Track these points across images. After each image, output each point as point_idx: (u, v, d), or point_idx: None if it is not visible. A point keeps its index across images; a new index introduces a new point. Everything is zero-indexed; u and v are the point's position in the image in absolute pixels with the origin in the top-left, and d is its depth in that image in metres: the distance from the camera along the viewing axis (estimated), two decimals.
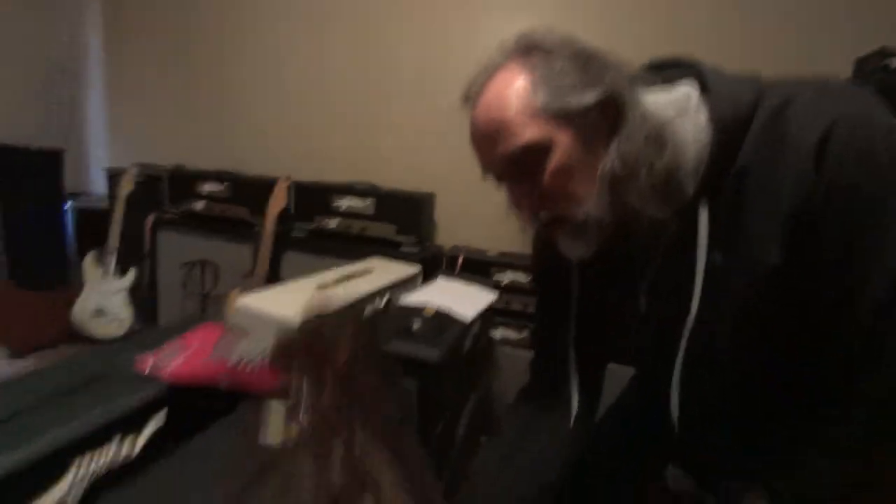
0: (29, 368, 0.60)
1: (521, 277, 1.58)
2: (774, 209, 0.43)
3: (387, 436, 0.43)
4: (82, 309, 1.87)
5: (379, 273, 1.06)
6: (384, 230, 1.64)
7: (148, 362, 0.58)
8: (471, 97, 0.51)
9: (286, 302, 0.66)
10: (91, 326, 1.87)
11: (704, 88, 0.48)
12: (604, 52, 0.48)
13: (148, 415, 0.53)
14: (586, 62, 0.47)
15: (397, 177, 1.81)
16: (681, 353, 0.52)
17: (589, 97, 0.45)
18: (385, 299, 0.98)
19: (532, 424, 0.66)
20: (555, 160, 0.47)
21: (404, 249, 1.60)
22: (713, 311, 0.49)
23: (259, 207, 1.70)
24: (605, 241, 0.51)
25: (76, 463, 0.47)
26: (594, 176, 0.47)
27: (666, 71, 0.53)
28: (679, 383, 0.53)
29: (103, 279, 1.94)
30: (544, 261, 0.69)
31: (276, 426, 0.40)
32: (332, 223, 1.67)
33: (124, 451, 0.51)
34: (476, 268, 1.59)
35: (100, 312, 1.90)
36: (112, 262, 1.95)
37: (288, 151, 2.05)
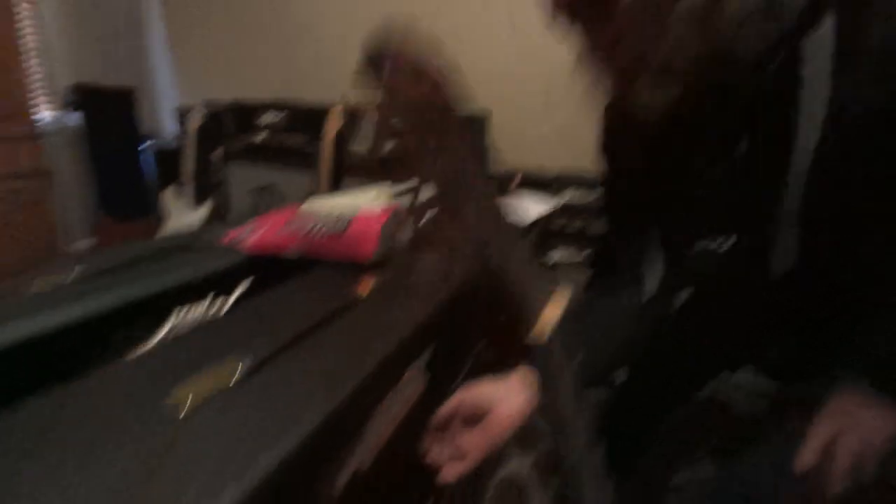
0: None
1: (582, 196, 1.52)
2: None
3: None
4: None
5: None
6: None
7: (229, 236, 0.63)
8: None
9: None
10: None
11: None
12: None
13: (235, 280, 0.58)
14: None
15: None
16: (788, 214, 0.47)
17: None
18: None
19: (595, 303, 0.63)
20: None
21: None
22: (829, 159, 0.43)
23: (316, 135, 1.73)
24: (692, 86, 0.45)
25: (175, 312, 0.52)
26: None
27: None
28: (783, 251, 0.49)
29: (183, 210, 2.11)
30: (617, 126, 0.63)
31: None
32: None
33: (215, 308, 0.57)
34: (534, 188, 1.55)
35: None
36: (189, 193, 2.10)
37: (343, 75, 2.03)
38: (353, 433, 0.35)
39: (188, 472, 0.24)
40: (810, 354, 0.56)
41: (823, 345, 0.54)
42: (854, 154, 0.42)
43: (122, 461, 0.25)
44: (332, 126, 1.57)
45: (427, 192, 0.30)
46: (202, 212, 2.09)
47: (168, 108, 2.63)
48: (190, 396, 0.29)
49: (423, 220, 0.31)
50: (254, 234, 0.62)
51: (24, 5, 2.03)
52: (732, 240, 0.71)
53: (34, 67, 2.10)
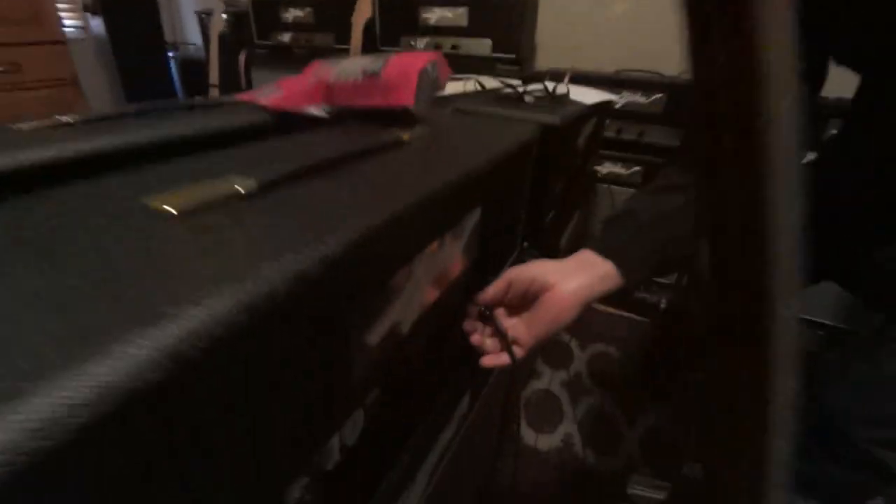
0: None
1: (640, 98, 1.34)
2: None
3: None
4: None
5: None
6: (478, 47, 1.44)
7: (244, 97, 0.55)
8: None
9: None
10: None
11: None
12: None
13: (251, 137, 0.51)
14: None
15: None
16: None
17: None
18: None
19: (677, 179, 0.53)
20: None
21: (501, 67, 1.41)
22: None
23: (345, 33, 1.58)
24: None
25: None
26: None
27: None
28: None
29: None
30: None
31: None
32: (420, 43, 1.51)
33: None
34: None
35: None
36: None
37: None
38: (383, 277, 0.28)
39: (166, 277, 0.18)
40: None
41: None
42: None
43: (88, 259, 0.18)
44: (363, 11, 1.41)
45: None
46: None
47: (189, 14, 2.48)
48: (182, 200, 0.23)
49: None
50: (275, 94, 0.53)
51: None
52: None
53: None
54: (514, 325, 0.46)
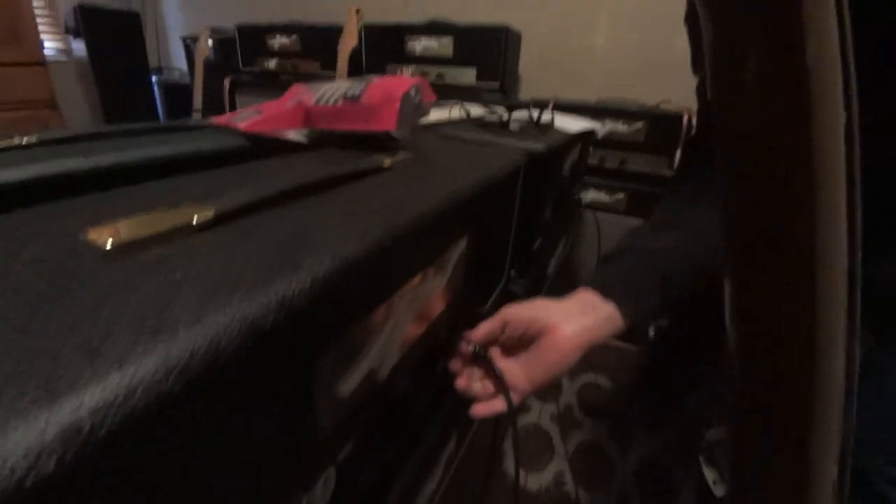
0: None
1: (621, 127, 1.36)
2: None
3: None
4: None
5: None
6: (463, 76, 1.46)
7: (221, 120, 0.52)
8: None
9: None
10: None
11: None
12: None
13: (224, 162, 0.48)
14: None
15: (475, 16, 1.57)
16: None
17: None
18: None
19: (676, 211, 0.52)
20: None
21: (486, 96, 1.43)
22: None
23: (331, 60, 1.59)
24: None
25: None
26: None
27: None
28: None
29: None
30: None
31: None
32: (406, 72, 1.52)
33: None
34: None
35: None
36: None
37: None
38: (358, 318, 0.25)
39: (74, 330, 0.15)
40: None
41: None
42: None
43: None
44: (349, 37, 1.42)
45: None
46: None
47: (175, 40, 2.48)
48: (122, 232, 0.20)
49: None
50: (252, 119, 0.51)
51: None
52: None
53: None
54: (509, 368, 0.43)
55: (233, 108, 1.91)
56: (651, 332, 1.40)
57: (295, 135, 0.49)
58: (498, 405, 0.42)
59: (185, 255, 0.19)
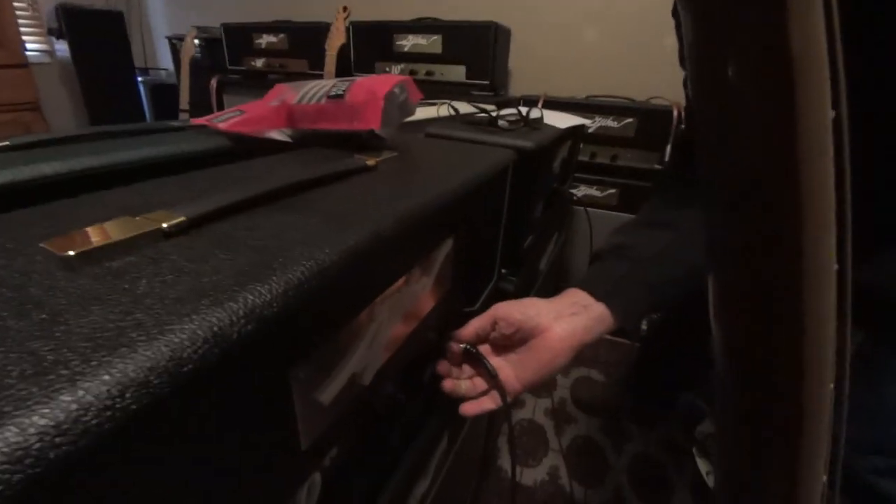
0: None
1: (612, 123, 1.36)
2: None
3: None
4: None
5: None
6: (452, 74, 1.45)
7: (200, 120, 0.51)
8: None
9: None
10: None
11: None
12: None
13: (204, 163, 0.47)
14: None
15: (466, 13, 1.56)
16: None
17: None
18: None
19: (661, 215, 0.52)
20: None
21: (475, 93, 1.42)
22: None
23: (317, 58, 1.57)
24: None
25: None
26: None
27: None
28: None
29: None
30: None
31: None
32: (395, 70, 1.51)
33: None
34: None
35: None
36: None
37: None
38: (339, 323, 0.24)
39: (24, 348, 0.14)
40: None
41: None
42: None
43: None
44: (337, 36, 1.41)
45: None
46: None
47: (160, 39, 2.45)
48: (86, 240, 0.19)
49: None
50: (233, 119, 0.50)
51: None
52: None
53: None
54: (500, 367, 0.42)
55: (220, 108, 1.89)
56: (644, 327, 1.40)
57: (278, 135, 0.48)
58: (487, 403, 0.42)
59: (151, 263, 0.19)
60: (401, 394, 0.39)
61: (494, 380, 0.41)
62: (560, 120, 0.87)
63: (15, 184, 0.31)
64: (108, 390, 0.12)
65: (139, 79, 2.29)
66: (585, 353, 1.39)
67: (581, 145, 1.36)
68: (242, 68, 1.83)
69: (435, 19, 1.48)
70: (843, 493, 0.52)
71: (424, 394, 0.45)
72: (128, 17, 2.27)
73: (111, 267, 0.18)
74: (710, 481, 0.97)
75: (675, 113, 1.28)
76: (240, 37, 1.80)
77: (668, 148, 1.30)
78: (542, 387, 1.25)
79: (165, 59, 2.49)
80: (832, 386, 0.12)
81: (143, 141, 0.45)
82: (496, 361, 0.43)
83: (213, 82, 1.86)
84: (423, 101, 0.92)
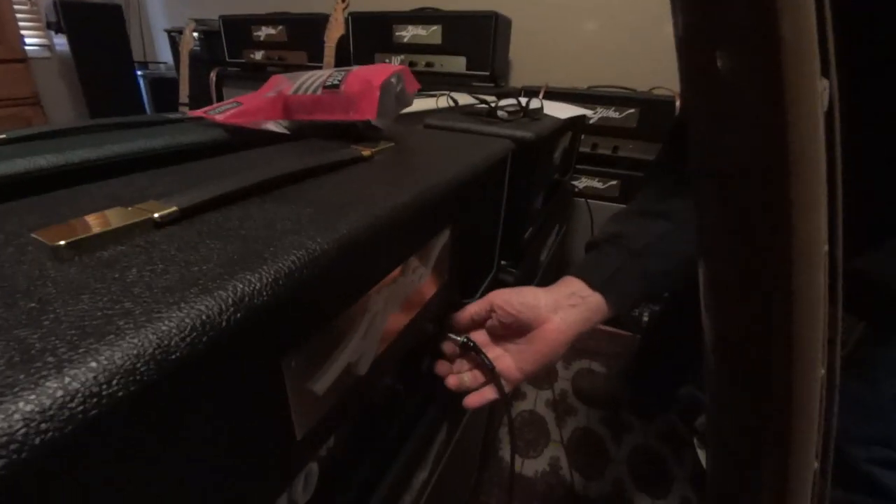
0: None
1: (613, 114, 1.35)
2: None
3: None
4: None
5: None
6: (453, 65, 1.44)
7: (197, 112, 0.51)
8: None
9: None
10: None
11: None
12: None
13: (207, 152, 0.47)
14: None
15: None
16: None
17: None
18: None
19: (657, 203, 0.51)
20: None
21: (475, 84, 1.41)
22: None
23: (317, 50, 1.56)
24: None
25: None
26: None
27: None
28: None
29: None
30: None
31: None
32: (395, 61, 1.50)
33: None
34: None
35: None
36: None
37: None
38: (333, 313, 0.24)
39: (48, 329, 0.14)
40: None
41: None
42: None
43: None
44: (336, 27, 1.40)
45: None
46: None
47: (159, 32, 2.43)
48: (77, 230, 0.19)
49: None
50: (230, 111, 0.50)
51: None
52: None
53: None
54: (499, 358, 0.43)
55: (220, 101, 1.88)
56: (645, 319, 1.40)
57: (274, 126, 0.48)
58: (489, 394, 0.42)
59: (142, 252, 0.18)
60: (398, 384, 0.39)
61: (492, 373, 0.41)
62: (560, 110, 0.86)
63: (10, 176, 0.31)
64: (94, 377, 0.12)
65: (139, 73, 2.28)
66: (587, 346, 1.39)
67: (582, 136, 1.35)
68: (241, 61, 1.82)
69: (435, 9, 1.46)
70: (839, 484, 0.53)
71: (422, 384, 0.45)
72: (126, 11, 2.26)
73: (101, 256, 0.18)
74: None
75: (678, 103, 1.27)
76: (238, 29, 1.78)
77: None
78: (542, 377, 1.25)
79: (164, 53, 2.48)
80: (823, 371, 0.12)
81: (140, 133, 0.44)
82: (495, 351, 0.43)
83: (213, 75, 1.85)
84: (423, 93, 0.92)
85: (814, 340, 0.12)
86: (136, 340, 0.13)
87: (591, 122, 1.36)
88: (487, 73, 1.42)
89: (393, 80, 0.43)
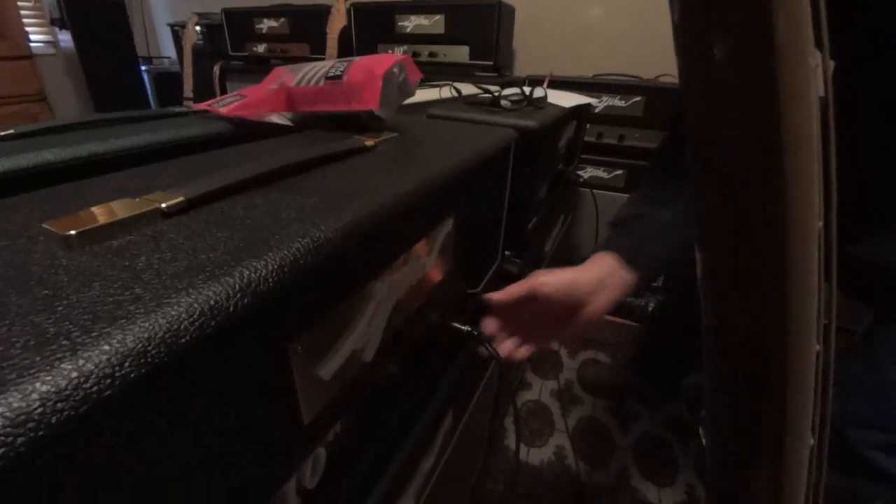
0: None
1: (619, 102, 1.33)
2: None
3: None
4: None
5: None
6: (456, 54, 1.43)
7: (201, 105, 0.51)
8: None
9: None
10: None
11: None
12: None
13: (211, 144, 0.47)
14: None
15: None
16: None
17: None
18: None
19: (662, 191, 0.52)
20: None
21: (479, 74, 1.40)
22: None
23: (319, 42, 1.55)
24: None
25: None
26: None
27: None
28: None
29: None
30: None
31: None
32: (398, 52, 1.49)
33: None
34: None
35: None
36: None
37: None
38: (336, 301, 0.25)
39: (31, 320, 0.14)
40: None
41: None
42: None
43: None
44: (338, 19, 1.39)
45: None
46: None
47: (162, 27, 2.43)
48: (87, 220, 0.19)
49: None
50: (234, 103, 0.50)
51: None
52: None
53: None
54: (531, 331, 0.47)
55: (224, 94, 1.89)
56: (650, 308, 1.40)
57: (277, 118, 0.48)
58: (528, 349, 0.47)
59: (151, 241, 0.19)
60: (404, 371, 0.39)
61: (498, 362, 0.42)
62: (565, 99, 0.85)
63: (19, 170, 0.31)
64: (107, 359, 0.13)
65: (143, 68, 2.28)
66: (593, 336, 1.39)
67: (587, 125, 1.34)
68: (244, 54, 1.82)
69: None
70: (838, 467, 0.53)
71: (428, 372, 0.46)
72: (129, 6, 2.25)
73: (111, 245, 0.18)
74: None
75: None
76: (241, 22, 1.78)
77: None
78: (549, 367, 1.26)
79: (168, 48, 2.49)
80: (818, 348, 0.12)
81: (145, 127, 0.45)
82: (523, 328, 0.47)
83: (216, 69, 1.85)
84: (426, 83, 0.91)
85: (808, 313, 0.12)
86: (146, 324, 0.14)
87: (597, 110, 1.35)
88: (491, 63, 1.40)
89: (395, 69, 0.43)
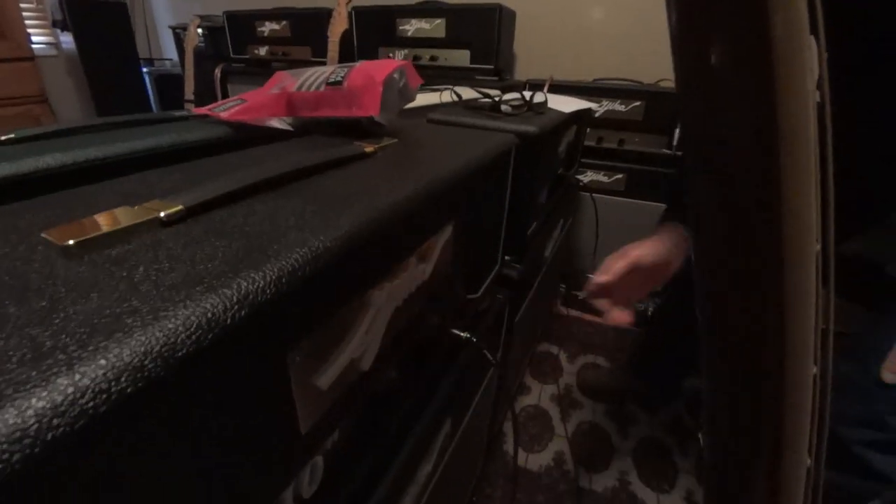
0: None
1: (619, 106, 1.33)
2: None
3: None
4: None
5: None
6: (457, 58, 1.43)
7: (202, 110, 0.51)
8: None
9: None
10: None
11: None
12: None
13: (210, 150, 0.47)
14: None
15: None
16: None
17: None
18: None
19: None
20: None
21: (479, 78, 1.40)
22: None
23: (321, 45, 1.56)
24: None
25: None
26: None
27: None
28: None
29: None
30: None
31: None
32: (399, 55, 1.49)
33: None
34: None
35: None
36: None
37: None
38: (335, 309, 0.25)
39: (24, 333, 0.14)
40: None
41: None
42: None
43: None
44: (339, 23, 1.39)
45: None
46: None
47: (164, 29, 2.44)
48: (84, 229, 0.19)
49: None
50: (235, 108, 0.50)
51: None
52: None
53: None
54: (630, 294, 0.55)
55: (225, 97, 1.89)
56: (650, 312, 1.40)
57: (278, 123, 0.48)
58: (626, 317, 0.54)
59: (148, 251, 0.19)
60: (402, 379, 0.39)
61: (494, 368, 0.42)
62: (565, 104, 0.85)
63: (18, 176, 0.31)
64: (104, 374, 0.13)
65: (144, 70, 2.29)
66: (592, 341, 1.39)
67: (588, 130, 1.34)
68: (246, 57, 1.82)
69: (438, 2, 1.45)
70: (832, 465, 0.54)
71: (426, 379, 0.46)
72: (131, 8, 2.26)
73: (110, 255, 0.18)
74: None
75: None
76: (242, 25, 1.78)
77: (678, 131, 1.28)
78: (548, 371, 1.25)
79: (170, 50, 2.49)
80: (814, 364, 0.12)
81: (146, 131, 0.45)
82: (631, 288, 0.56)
83: (217, 71, 1.85)
84: (427, 88, 0.92)
85: (807, 326, 0.12)
86: (143, 338, 0.14)
87: (597, 115, 1.35)
88: (492, 67, 1.41)
89: (396, 75, 0.43)
